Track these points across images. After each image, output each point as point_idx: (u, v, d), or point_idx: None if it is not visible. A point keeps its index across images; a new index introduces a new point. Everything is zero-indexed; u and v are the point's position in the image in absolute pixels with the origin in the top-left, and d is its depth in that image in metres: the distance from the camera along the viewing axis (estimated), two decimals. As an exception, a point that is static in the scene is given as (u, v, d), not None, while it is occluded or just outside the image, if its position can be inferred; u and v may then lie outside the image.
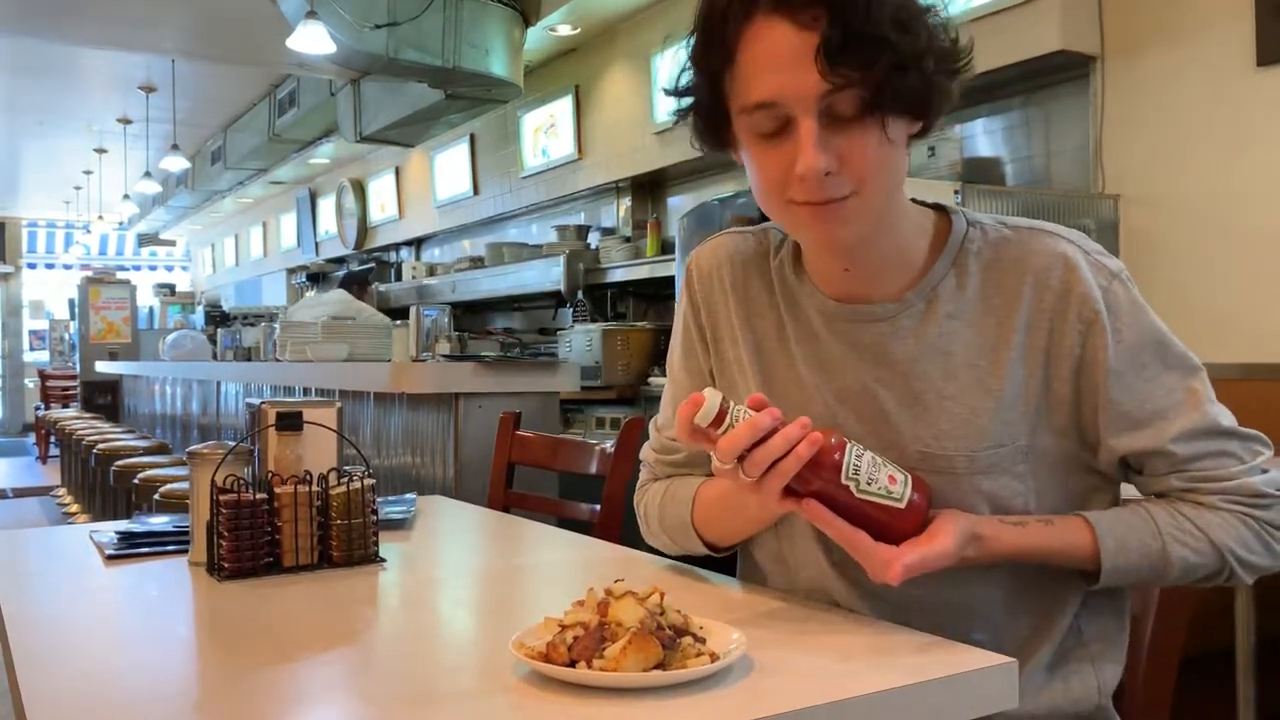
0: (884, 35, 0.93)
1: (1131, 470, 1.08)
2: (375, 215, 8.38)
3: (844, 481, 0.96)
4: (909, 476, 1.00)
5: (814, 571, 1.14)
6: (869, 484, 0.97)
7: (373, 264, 8.26)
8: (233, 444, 1.34)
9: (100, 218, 11.90)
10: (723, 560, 1.26)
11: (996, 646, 0.95)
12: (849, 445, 0.98)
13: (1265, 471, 1.05)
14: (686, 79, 1.05)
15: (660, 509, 1.25)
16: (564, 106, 5.57)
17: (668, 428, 1.27)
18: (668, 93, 1.08)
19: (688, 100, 1.06)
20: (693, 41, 1.03)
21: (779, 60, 0.95)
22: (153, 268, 15.43)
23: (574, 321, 5.07)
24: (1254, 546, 1.04)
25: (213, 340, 7.02)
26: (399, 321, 4.83)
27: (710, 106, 1.03)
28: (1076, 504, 1.08)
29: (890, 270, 1.08)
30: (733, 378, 1.20)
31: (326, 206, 9.22)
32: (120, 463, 4.55)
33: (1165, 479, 1.06)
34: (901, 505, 0.98)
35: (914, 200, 1.11)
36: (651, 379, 4.17)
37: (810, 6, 0.93)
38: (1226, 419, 1.06)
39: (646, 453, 1.32)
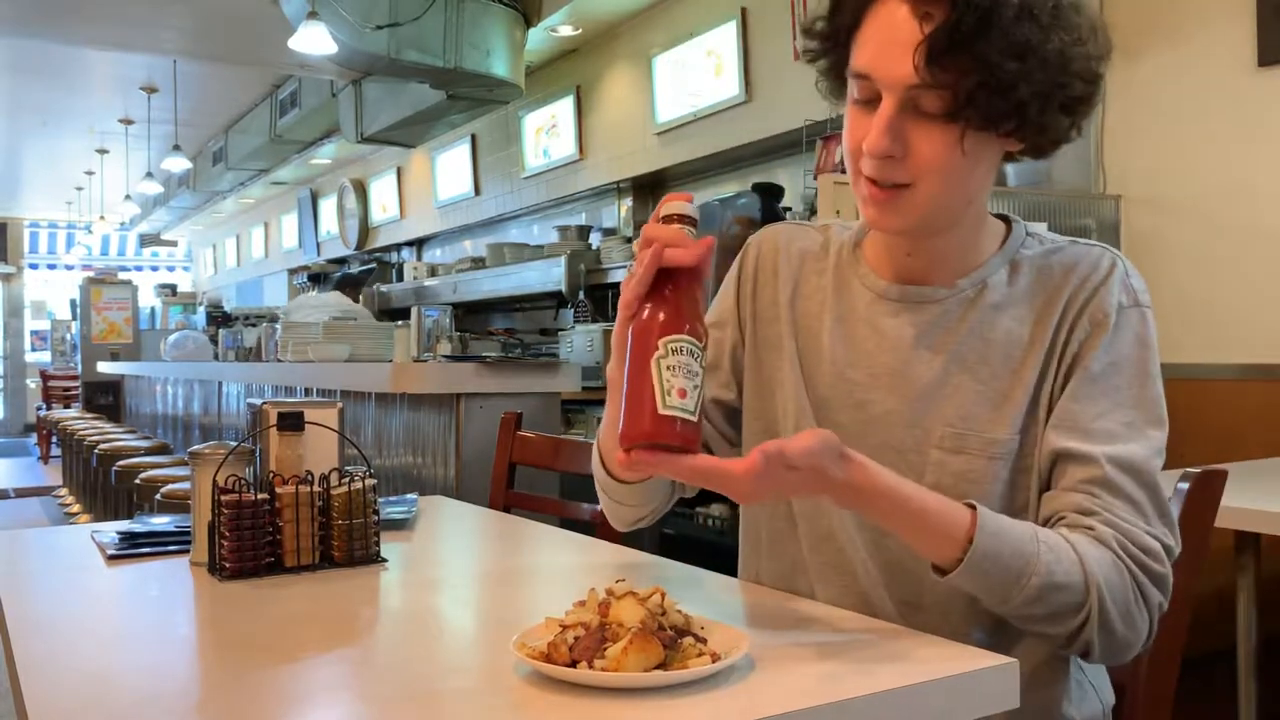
0: (989, 53, 0.93)
1: (1045, 487, 1.04)
2: (377, 216, 8.38)
3: (651, 366, 0.89)
4: (699, 390, 0.91)
5: (815, 573, 1.15)
6: (668, 386, 0.89)
7: (373, 264, 8.27)
8: (234, 444, 1.35)
9: (102, 218, 11.91)
10: (724, 562, 1.26)
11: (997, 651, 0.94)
12: (672, 337, 0.90)
13: (1164, 548, 0.99)
14: (821, 25, 1.08)
15: (596, 471, 1.21)
16: (565, 107, 5.58)
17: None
18: (804, 32, 1.10)
19: (816, 43, 1.09)
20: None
21: (885, 39, 0.98)
22: (154, 268, 15.45)
23: (575, 322, 5.07)
24: (1118, 597, 0.96)
25: (214, 340, 7.02)
26: (400, 322, 4.83)
27: (834, 56, 1.07)
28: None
29: (951, 262, 1.11)
30: (765, 354, 1.21)
31: (328, 207, 9.23)
32: (122, 463, 4.55)
33: (1076, 491, 1.00)
34: (694, 418, 0.90)
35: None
36: (652, 379, 4.17)
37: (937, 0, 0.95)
38: (1165, 490, 1.02)
39: None
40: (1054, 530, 1.00)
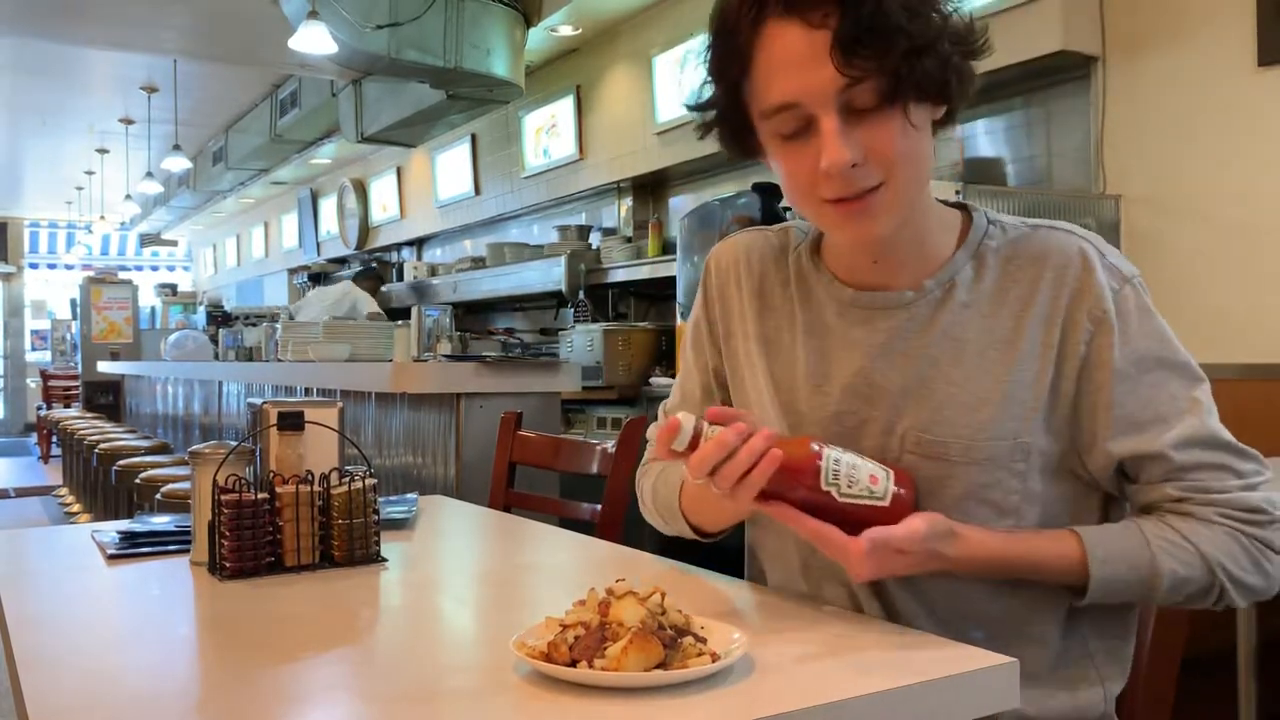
0: (896, 24, 0.94)
1: (1126, 479, 1.07)
2: (377, 215, 8.38)
3: (824, 488, 0.98)
4: (891, 472, 1.01)
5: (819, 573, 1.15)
6: (850, 486, 0.98)
7: (374, 264, 8.27)
8: (234, 444, 1.35)
9: (102, 218, 11.91)
10: (724, 561, 1.26)
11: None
12: (826, 451, 0.99)
13: (1259, 489, 1.03)
14: (707, 92, 1.06)
15: (654, 489, 1.28)
16: (565, 107, 5.57)
17: (673, 411, 1.27)
18: (689, 108, 1.08)
19: (711, 113, 1.07)
20: (708, 54, 1.04)
21: (794, 61, 0.96)
22: (154, 268, 15.45)
23: (575, 322, 5.07)
24: (1245, 564, 1.01)
25: (214, 340, 7.02)
26: (400, 322, 4.83)
27: (733, 116, 1.04)
28: (1064, 509, 1.07)
29: (914, 262, 1.10)
30: (740, 372, 1.21)
31: (328, 207, 9.23)
32: (122, 462, 4.55)
33: (1160, 486, 1.04)
34: (885, 503, 0.99)
35: (938, 200, 1.13)
36: (653, 379, 4.17)
37: (821, 5, 0.94)
38: (1226, 434, 1.05)
39: (650, 432, 1.33)
40: (1159, 522, 1.03)
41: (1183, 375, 1.05)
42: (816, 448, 0.99)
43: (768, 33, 0.98)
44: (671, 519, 1.23)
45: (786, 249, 1.20)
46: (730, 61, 1.01)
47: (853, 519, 0.98)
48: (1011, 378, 1.04)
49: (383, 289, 7.47)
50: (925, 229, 1.09)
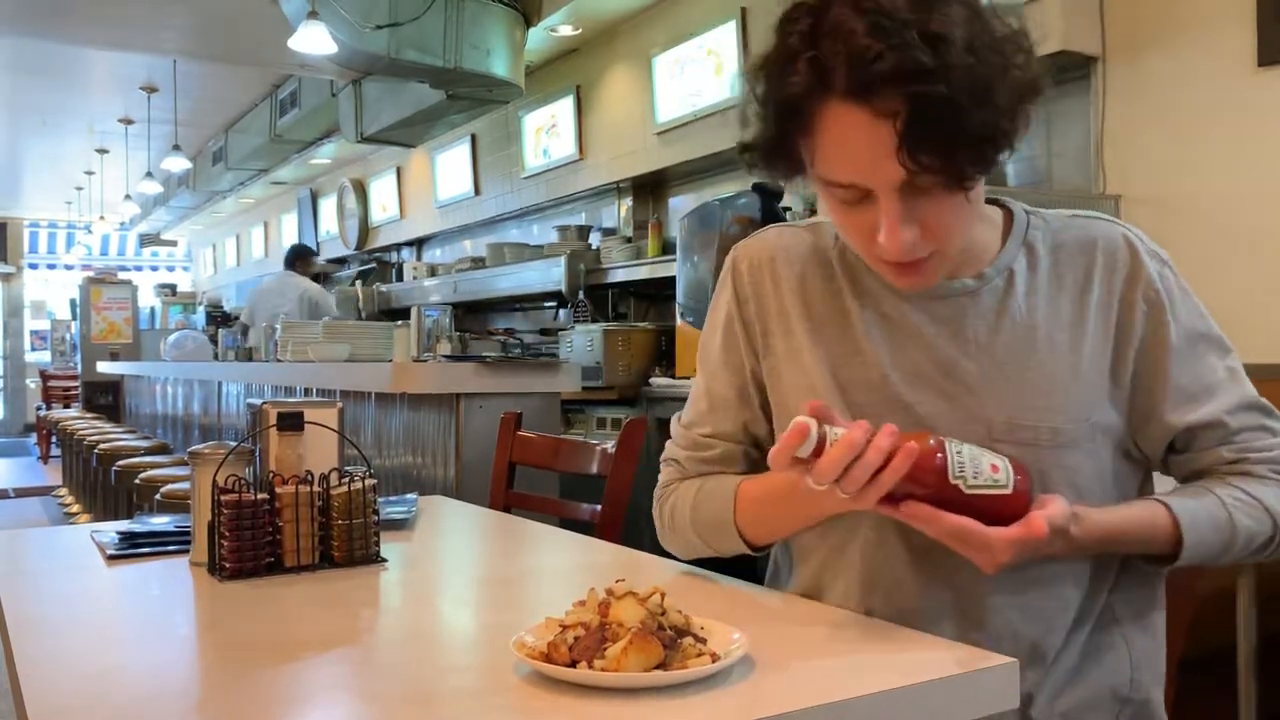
0: (964, 121, 0.91)
1: (1174, 451, 1.11)
2: (376, 215, 8.38)
3: (952, 481, 0.96)
4: (1007, 460, 1.00)
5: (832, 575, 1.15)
6: (975, 477, 0.97)
7: (373, 264, 8.27)
8: (234, 444, 1.35)
9: (102, 218, 11.90)
10: (724, 563, 1.26)
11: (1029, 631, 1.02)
12: (948, 443, 0.98)
13: None
14: (764, 133, 1.03)
15: (693, 508, 1.21)
16: (565, 107, 5.57)
17: (699, 425, 1.24)
18: (743, 148, 1.06)
19: (756, 153, 1.05)
20: (766, 97, 1.00)
21: (857, 150, 0.95)
22: (154, 268, 15.44)
23: (575, 322, 5.07)
24: None
25: (214, 340, 7.03)
26: (400, 322, 4.83)
27: (787, 157, 1.02)
28: (1118, 487, 1.11)
29: (966, 255, 1.10)
30: (780, 370, 1.17)
31: (328, 207, 9.22)
32: (121, 463, 4.55)
33: (1215, 451, 1.09)
34: (1009, 490, 0.98)
35: None
36: (653, 379, 4.17)
37: (888, 97, 0.91)
38: (1258, 395, 1.12)
39: (674, 451, 1.27)
40: (1224, 483, 1.08)
41: (1219, 347, 1.12)
42: (935, 441, 0.97)
43: (832, 110, 0.95)
44: (716, 535, 1.19)
45: (821, 244, 1.18)
46: (793, 115, 0.98)
47: (977, 510, 0.96)
48: (1080, 360, 1.08)
49: (383, 289, 7.47)
50: (974, 231, 1.10)
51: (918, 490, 0.96)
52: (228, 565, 1.26)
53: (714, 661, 0.85)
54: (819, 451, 0.92)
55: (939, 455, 0.96)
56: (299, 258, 7.28)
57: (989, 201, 1.14)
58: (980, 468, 0.97)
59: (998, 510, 0.97)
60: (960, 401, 1.08)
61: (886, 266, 1.04)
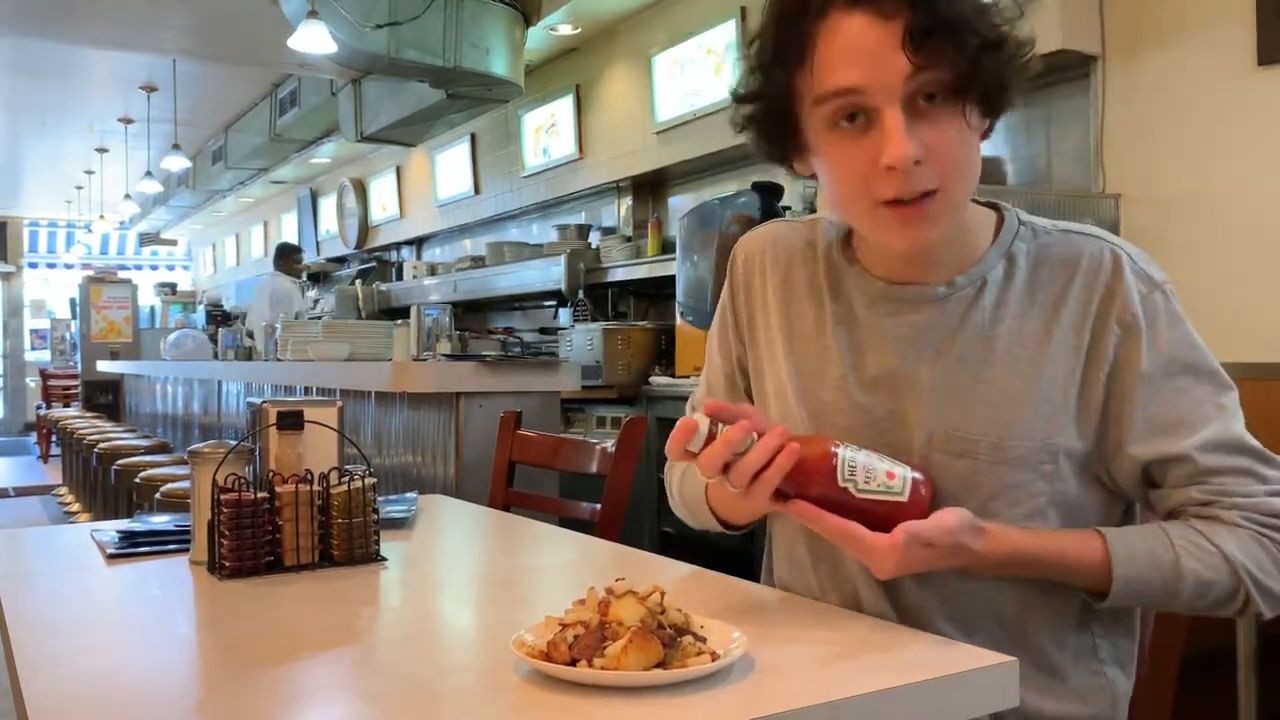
0: (967, 19, 0.94)
1: (1151, 486, 1.06)
2: (376, 215, 8.38)
3: (841, 484, 0.98)
4: (908, 469, 1.01)
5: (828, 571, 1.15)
6: (867, 482, 0.99)
7: (373, 263, 8.27)
8: (234, 443, 1.34)
9: (101, 217, 11.90)
10: (725, 561, 1.26)
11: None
12: (842, 448, 1.00)
13: None
14: (754, 82, 1.04)
15: (681, 482, 1.28)
16: (565, 106, 5.57)
17: (700, 402, 1.27)
18: (734, 98, 1.07)
19: (751, 106, 1.06)
20: (761, 41, 1.03)
21: (862, 48, 0.96)
22: (154, 267, 15.44)
23: (575, 321, 5.07)
24: (1270, 570, 1.00)
25: (214, 340, 7.02)
26: (400, 321, 4.83)
27: (780, 107, 1.03)
28: (1088, 516, 1.07)
29: (949, 258, 1.09)
30: (761, 363, 1.21)
31: (328, 206, 9.22)
32: (121, 462, 4.55)
33: (1184, 490, 1.03)
34: (904, 498, 0.99)
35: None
36: (652, 378, 4.17)
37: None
38: (1252, 440, 1.04)
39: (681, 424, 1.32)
40: (1184, 525, 1.02)
41: (1210, 382, 1.05)
42: (831, 445, 0.99)
43: (833, 22, 0.97)
44: (699, 511, 1.23)
45: (814, 241, 1.19)
46: (788, 47, 0.99)
47: (871, 516, 0.98)
48: (1041, 379, 1.04)
49: (382, 288, 7.47)
50: (962, 227, 1.08)
51: (810, 490, 0.99)
52: (227, 564, 1.26)
53: (714, 660, 0.85)
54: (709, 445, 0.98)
55: (830, 459, 0.98)
56: (282, 256, 7.37)
57: (985, 204, 1.13)
58: (874, 474, 0.99)
59: (892, 518, 0.98)
60: (906, 406, 1.08)
61: (890, 216, 1.00)
